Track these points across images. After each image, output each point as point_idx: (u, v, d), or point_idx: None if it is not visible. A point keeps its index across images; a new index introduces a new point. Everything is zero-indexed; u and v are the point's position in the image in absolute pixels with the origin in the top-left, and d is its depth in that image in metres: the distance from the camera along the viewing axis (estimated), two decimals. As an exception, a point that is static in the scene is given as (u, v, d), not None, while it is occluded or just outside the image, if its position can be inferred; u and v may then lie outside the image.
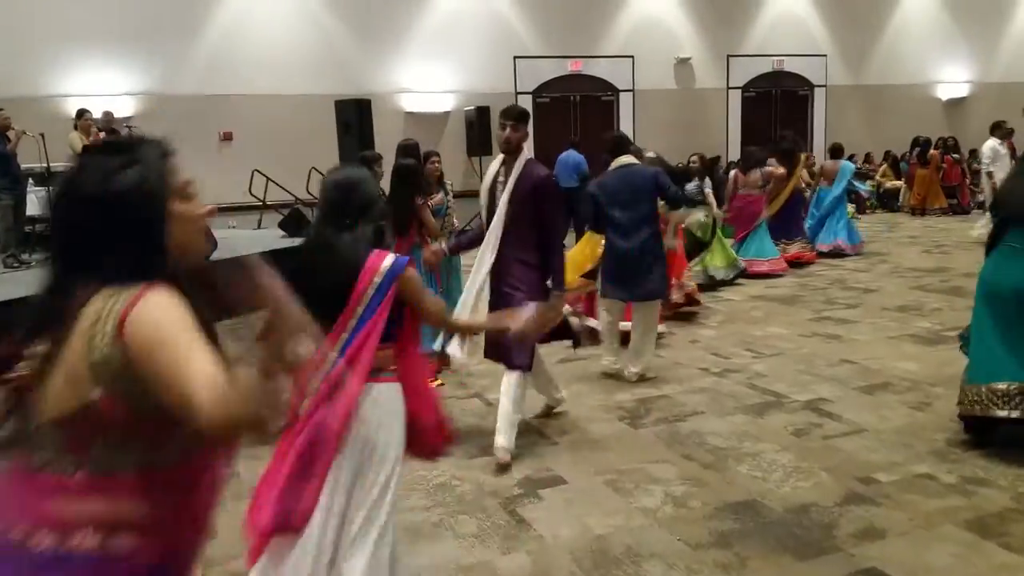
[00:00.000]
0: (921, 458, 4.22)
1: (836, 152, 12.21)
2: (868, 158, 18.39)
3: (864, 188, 15.24)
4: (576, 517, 3.69)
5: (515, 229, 4.37)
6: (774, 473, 4.13)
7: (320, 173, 12.79)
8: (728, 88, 17.90)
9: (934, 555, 3.27)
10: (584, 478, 4.14)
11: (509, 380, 4.38)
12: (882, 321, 7.39)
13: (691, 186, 9.01)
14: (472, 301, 4.40)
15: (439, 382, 5.67)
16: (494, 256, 4.39)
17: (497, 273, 4.39)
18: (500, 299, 4.26)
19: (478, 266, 4.44)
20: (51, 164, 9.09)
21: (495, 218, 4.43)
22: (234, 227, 12.52)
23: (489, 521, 3.69)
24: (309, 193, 12.84)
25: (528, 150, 4.55)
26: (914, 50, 19.48)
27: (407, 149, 6.36)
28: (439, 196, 6.47)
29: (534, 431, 4.85)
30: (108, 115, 10.88)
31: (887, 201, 17.53)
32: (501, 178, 4.47)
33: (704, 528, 3.57)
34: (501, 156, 4.51)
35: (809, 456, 4.34)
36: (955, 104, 19.97)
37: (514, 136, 4.44)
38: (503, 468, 4.24)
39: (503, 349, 4.32)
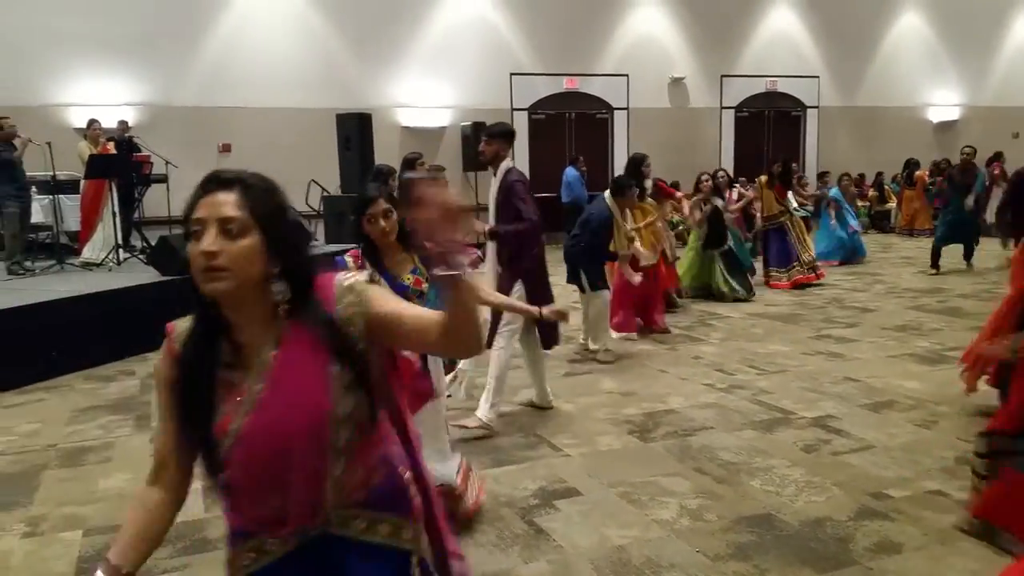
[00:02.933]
0: (931, 475, 4.26)
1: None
2: (861, 179, 18.55)
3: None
4: (593, 528, 3.71)
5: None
6: (787, 488, 4.16)
7: (319, 185, 12.85)
8: (721, 108, 18.09)
9: (953, 570, 3.30)
10: (598, 490, 4.16)
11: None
12: (882, 340, 7.46)
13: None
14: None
15: (447, 394, 5.67)
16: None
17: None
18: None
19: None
20: (56, 173, 9.09)
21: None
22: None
23: (507, 530, 3.70)
24: (308, 205, 12.86)
25: (514, 162, 5.25)
26: (906, 73, 19.77)
27: (411, 163, 6.40)
28: None
29: (545, 443, 4.87)
30: (123, 124, 10.90)
31: (879, 222, 17.72)
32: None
33: (721, 540, 3.59)
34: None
35: (820, 471, 4.37)
36: (946, 127, 20.26)
37: (487, 150, 5.10)
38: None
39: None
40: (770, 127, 18.81)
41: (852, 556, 3.43)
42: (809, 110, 18.99)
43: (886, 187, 17.91)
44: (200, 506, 4.00)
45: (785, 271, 10.50)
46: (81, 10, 12.90)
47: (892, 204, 17.63)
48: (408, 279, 3.25)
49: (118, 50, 13.21)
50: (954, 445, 4.64)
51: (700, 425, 5.16)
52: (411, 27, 15.39)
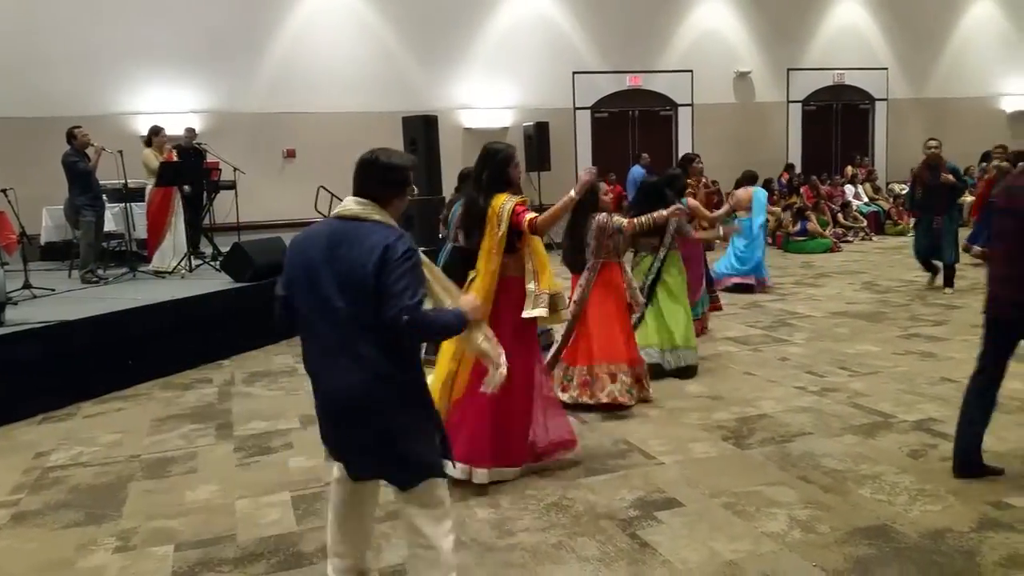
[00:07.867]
0: (1054, 482, 3.99)
1: (749, 179, 10.38)
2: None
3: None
4: (701, 542, 3.53)
5: None
6: (899, 496, 3.93)
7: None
8: (788, 102, 17.67)
9: (1098, 588, 3.06)
10: (699, 500, 3.97)
11: None
12: (974, 338, 7.01)
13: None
14: None
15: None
16: None
17: None
18: None
19: None
20: (128, 181, 9.17)
21: None
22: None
23: (610, 544, 3.54)
24: (373, 209, 12.86)
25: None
26: (977, 63, 19.06)
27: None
28: None
29: (636, 450, 4.70)
30: (190, 132, 11.00)
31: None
32: None
33: (839, 554, 3.38)
34: None
35: (932, 478, 4.13)
36: (1020, 117, 19.47)
37: None
38: None
39: None
40: (838, 121, 18.31)
41: (981, 571, 3.22)
42: (878, 103, 18.43)
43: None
44: (292, 519, 3.93)
45: None
46: (147, 21, 13.09)
47: (968, 198, 16.95)
48: None
49: (184, 58, 13.37)
50: (1076, 450, 4.35)
51: (797, 430, 4.93)
52: (472, 28, 15.32)
